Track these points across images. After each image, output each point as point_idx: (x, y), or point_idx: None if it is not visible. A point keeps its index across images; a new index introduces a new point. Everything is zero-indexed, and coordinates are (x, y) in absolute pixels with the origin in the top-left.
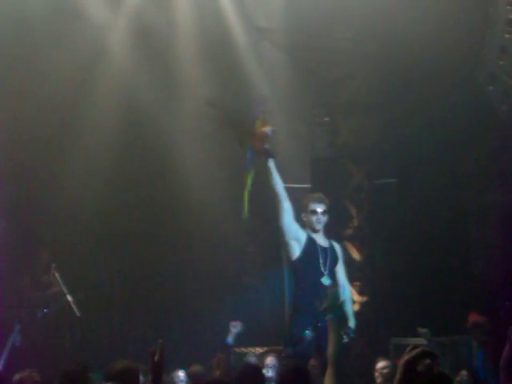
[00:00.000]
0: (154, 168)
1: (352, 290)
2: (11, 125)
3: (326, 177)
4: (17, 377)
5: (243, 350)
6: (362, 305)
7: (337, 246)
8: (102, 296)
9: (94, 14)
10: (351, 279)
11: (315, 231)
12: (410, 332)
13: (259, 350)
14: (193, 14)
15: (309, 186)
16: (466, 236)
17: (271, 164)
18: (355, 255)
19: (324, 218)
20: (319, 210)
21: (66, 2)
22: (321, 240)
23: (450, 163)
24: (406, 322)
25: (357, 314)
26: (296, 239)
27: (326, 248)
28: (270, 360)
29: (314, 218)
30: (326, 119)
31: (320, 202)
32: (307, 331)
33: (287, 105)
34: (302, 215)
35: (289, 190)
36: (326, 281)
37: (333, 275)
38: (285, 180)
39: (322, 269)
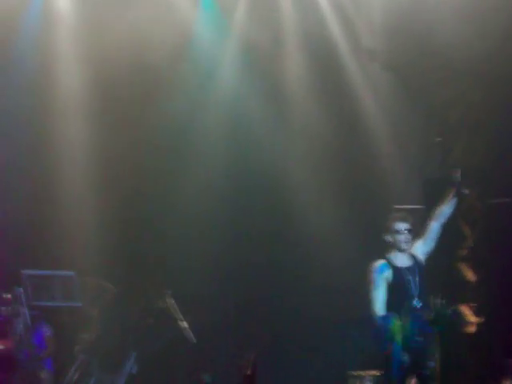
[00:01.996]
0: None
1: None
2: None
3: (439, 197)
4: None
5: (361, 373)
6: (479, 325)
7: (419, 256)
8: (217, 321)
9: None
10: (466, 300)
11: (402, 251)
12: None
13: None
14: (299, 32)
15: (422, 207)
16: None
17: None
18: (470, 276)
19: (410, 237)
20: (404, 228)
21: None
22: (405, 261)
23: None
24: None
25: (473, 335)
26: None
27: (411, 267)
28: None
29: (400, 237)
30: (438, 139)
31: (404, 220)
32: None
33: (398, 127)
34: (387, 236)
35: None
36: (417, 303)
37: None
38: (398, 201)
39: (413, 291)
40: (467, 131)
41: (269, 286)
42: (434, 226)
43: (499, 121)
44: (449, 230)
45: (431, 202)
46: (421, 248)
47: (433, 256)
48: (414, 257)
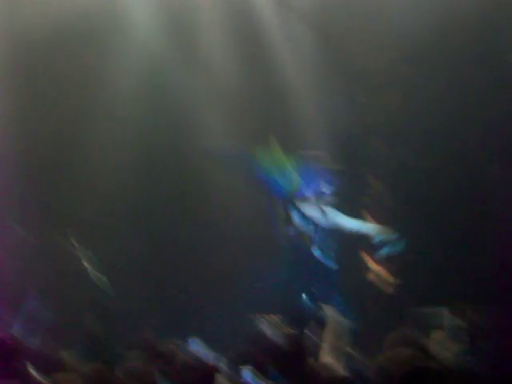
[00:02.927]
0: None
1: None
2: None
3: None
4: None
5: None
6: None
7: (341, 217)
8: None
9: None
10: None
11: (320, 202)
12: (430, 301)
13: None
14: None
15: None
16: (492, 204)
17: None
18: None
19: (331, 191)
20: (326, 181)
21: None
22: (325, 212)
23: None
24: (426, 290)
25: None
26: (295, 210)
27: (326, 219)
28: None
29: (319, 188)
30: (356, 97)
31: (327, 172)
32: (306, 300)
33: (316, 82)
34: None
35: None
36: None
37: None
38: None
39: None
40: (386, 91)
41: (180, 234)
42: None
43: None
44: (352, 179)
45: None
46: None
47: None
48: (323, 209)
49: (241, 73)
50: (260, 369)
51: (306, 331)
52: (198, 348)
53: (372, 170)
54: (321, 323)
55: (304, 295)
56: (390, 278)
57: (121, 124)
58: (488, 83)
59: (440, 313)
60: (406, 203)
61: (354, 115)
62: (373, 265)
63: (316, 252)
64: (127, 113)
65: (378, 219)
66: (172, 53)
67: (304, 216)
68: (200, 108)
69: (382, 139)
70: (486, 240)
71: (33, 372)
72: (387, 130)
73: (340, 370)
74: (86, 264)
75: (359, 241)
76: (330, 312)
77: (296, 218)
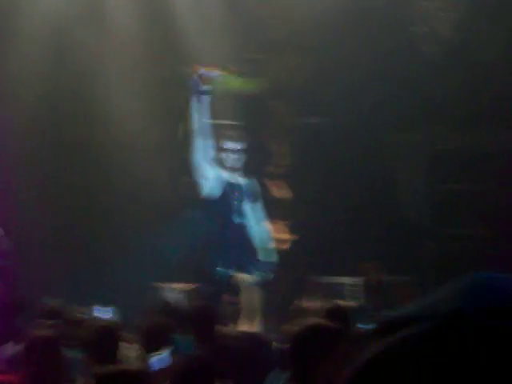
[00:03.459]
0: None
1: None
2: None
3: (254, 114)
4: None
5: (164, 285)
6: (292, 243)
7: (253, 184)
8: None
9: None
10: (279, 218)
11: (227, 169)
12: (334, 271)
13: (180, 286)
14: None
15: (235, 123)
16: (394, 178)
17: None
18: (279, 193)
19: (237, 156)
20: (232, 147)
21: None
22: (233, 178)
23: (379, 104)
24: (330, 261)
25: (285, 253)
26: (204, 177)
27: (237, 186)
28: None
29: (224, 155)
30: (258, 57)
31: (233, 139)
32: (220, 269)
33: (218, 42)
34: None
35: (215, 127)
36: (235, 219)
37: (244, 213)
38: (213, 116)
39: (233, 207)
40: (289, 51)
41: (91, 201)
42: None
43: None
44: (260, 148)
45: (245, 118)
46: None
47: (245, 172)
48: (246, 180)
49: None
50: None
51: (219, 299)
52: (104, 315)
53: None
54: (235, 291)
55: (219, 263)
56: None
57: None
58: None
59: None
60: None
61: None
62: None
63: (235, 219)
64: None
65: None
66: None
67: (222, 182)
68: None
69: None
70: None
71: None
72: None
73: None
74: None
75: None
76: (244, 280)
77: (213, 183)
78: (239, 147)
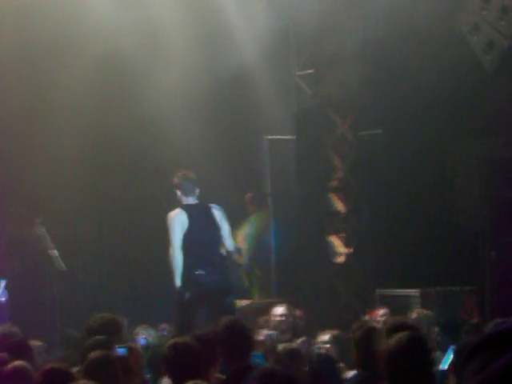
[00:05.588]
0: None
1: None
2: None
3: (311, 128)
4: None
5: None
6: (348, 256)
7: (216, 209)
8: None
9: None
10: (336, 230)
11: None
12: (396, 283)
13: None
14: None
15: (293, 137)
16: (452, 187)
17: None
18: (340, 207)
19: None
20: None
21: None
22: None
23: (435, 114)
24: (391, 272)
25: (342, 266)
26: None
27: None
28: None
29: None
30: (310, 71)
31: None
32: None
33: (271, 57)
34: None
35: (274, 142)
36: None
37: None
38: (271, 132)
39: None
40: (341, 62)
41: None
42: None
43: (375, 53)
44: (319, 161)
45: (303, 133)
46: None
47: (304, 186)
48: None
49: None
50: None
51: None
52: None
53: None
54: None
55: None
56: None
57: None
58: None
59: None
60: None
61: None
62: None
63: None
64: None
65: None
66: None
67: None
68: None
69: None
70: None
71: None
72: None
73: None
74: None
75: None
76: None
77: None
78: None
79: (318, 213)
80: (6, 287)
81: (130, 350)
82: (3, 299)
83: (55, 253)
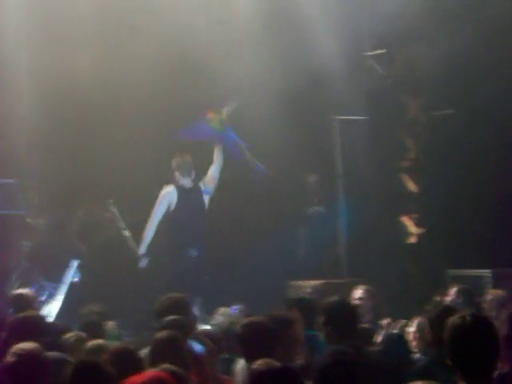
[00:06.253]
0: None
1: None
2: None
3: (382, 108)
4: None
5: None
6: (420, 236)
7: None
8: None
9: None
10: (408, 211)
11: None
12: (468, 263)
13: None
14: None
15: (365, 118)
16: None
17: None
18: (412, 187)
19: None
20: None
21: None
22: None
23: (510, 94)
24: (463, 253)
25: (414, 246)
26: None
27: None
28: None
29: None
30: (382, 51)
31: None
32: None
33: (342, 38)
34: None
35: (345, 122)
36: None
37: None
38: (342, 112)
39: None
40: (412, 42)
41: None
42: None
43: (448, 32)
44: (390, 142)
45: (374, 113)
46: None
47: (376, 167)
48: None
49: None
50: None
51: None
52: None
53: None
54: None
55: None
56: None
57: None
58: None
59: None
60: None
61: None
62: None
63: None
64: None
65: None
66: None
67: None
68: None
69: None
70: None
71: None
72: None
73: None
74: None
75: None
76: None
77: None
78: None
79: (390, 194)
80: (79, 268)
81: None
82: (76, 279)
83: (127, 233)
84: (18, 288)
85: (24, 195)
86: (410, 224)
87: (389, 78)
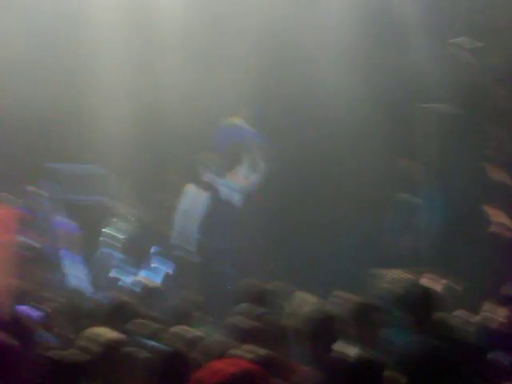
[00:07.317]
0: None
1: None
2: None
3: (470, 98)
4: None
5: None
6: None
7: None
8: None
9: None
10: (497, 202)
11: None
12: None
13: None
14: None
15: (450, 107)
16: None
17: None
18: (502, 178)
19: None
20: None
21: None
22: None
23: None
24: None
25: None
26: None
27: None
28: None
29: None
30: (468, 39)
31: None
32: None
33: (426, 25)
34: None
35: (431, 112)
36: None
37: None
38: (427, 101)
39: None
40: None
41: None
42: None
43: None
44: (479, 132)
45: (462, 103)
46: None
47: (464, 157)
48: None
49: None
50: None
51: None
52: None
53: None
54: None
55: None
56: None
57: None
58: None
59: None
60: None
61: None
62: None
63: None
64: None
65: None
66: None
67: None
68: None
69: None
70: None
71: None
72: None
73: None
74: None
75: None
76: None
77: None
78: None
79: (479, 184)
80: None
81: None
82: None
83: None
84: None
85: (110, 183)
86: (499, 214)
87: (475, 67)
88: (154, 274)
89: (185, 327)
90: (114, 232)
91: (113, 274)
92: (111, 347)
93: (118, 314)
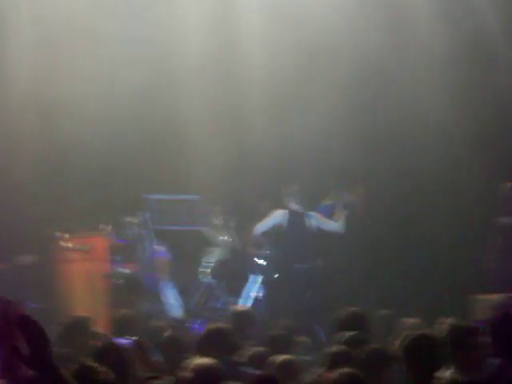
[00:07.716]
0: None
1: None
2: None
3: None
4: None
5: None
6: None
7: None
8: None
9: None
10: None
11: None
12: None
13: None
14: None
15: None
16: None
17: None
18: None
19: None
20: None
21: None
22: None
23: None
24: None
25: None
26: None
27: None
28: None
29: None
30: None
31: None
32: None
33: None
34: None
35: None
36: None
37: None
38: None
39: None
40: None
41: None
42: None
43: None
44: None
45: None
46: None
47: None
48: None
49: None
50: None
51: None
52: None
53: None
54: None
55: None
56: None
57: None
58: None
59: None
60: None
61: None
62: None
63: None
64: None
65: None
66: None
67: None
68: None
69: None
70: None
71: None
72: None
73: None
74: None
75: None
76: None
77: None
78: None
79: None
80: (264, 283)
81: None
82: (260, 295)
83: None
84: (203, 304)
85: (208, 212)
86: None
87: None
88: (248, 300)
89: (284, 355)
90: (210, 260)
91: (209, 301)
92: (210, 377)
93: (215, 342)
